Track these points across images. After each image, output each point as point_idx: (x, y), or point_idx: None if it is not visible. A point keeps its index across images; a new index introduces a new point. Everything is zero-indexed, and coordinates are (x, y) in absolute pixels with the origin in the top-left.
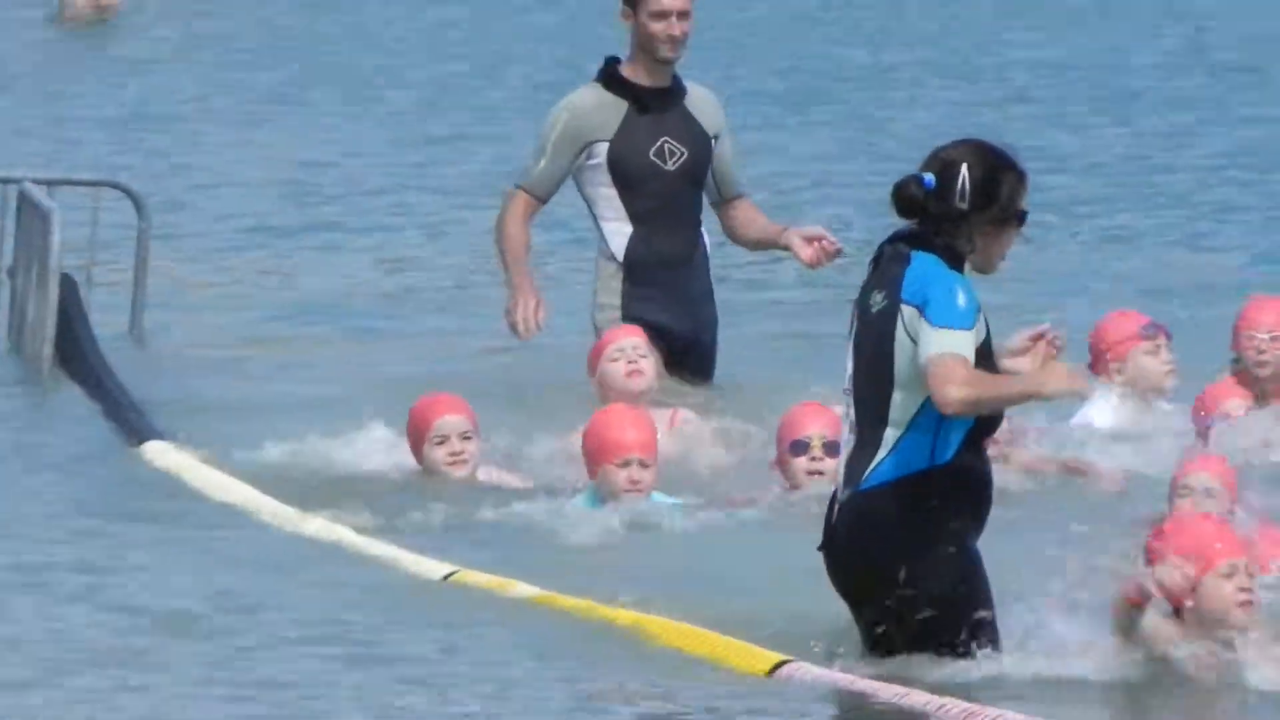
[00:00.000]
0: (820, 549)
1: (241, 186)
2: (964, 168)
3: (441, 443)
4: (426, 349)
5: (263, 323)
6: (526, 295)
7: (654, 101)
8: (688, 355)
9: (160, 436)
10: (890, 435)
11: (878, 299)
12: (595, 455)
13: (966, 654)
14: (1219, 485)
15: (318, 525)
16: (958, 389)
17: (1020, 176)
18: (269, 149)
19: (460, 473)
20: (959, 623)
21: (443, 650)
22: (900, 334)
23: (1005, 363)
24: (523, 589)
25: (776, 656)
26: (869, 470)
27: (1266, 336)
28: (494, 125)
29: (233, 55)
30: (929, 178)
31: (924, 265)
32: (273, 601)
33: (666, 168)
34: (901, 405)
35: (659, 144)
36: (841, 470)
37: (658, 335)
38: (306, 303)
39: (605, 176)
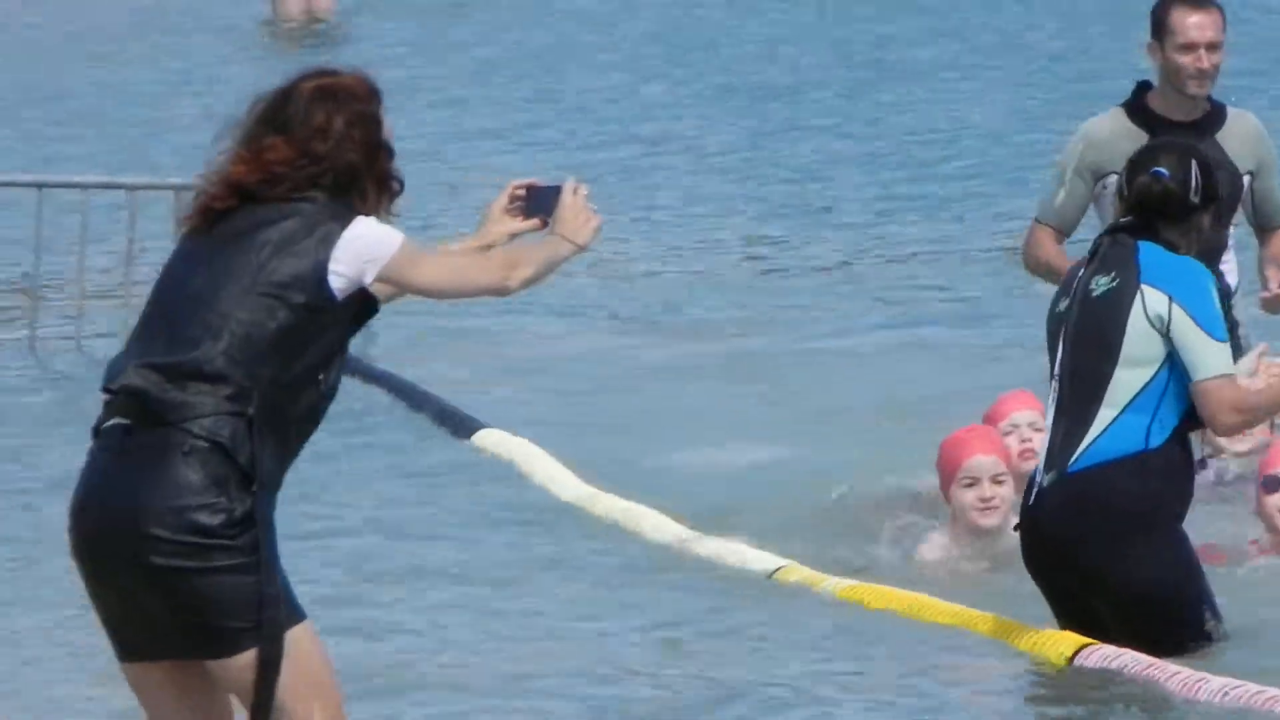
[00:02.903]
0: (1019, 533)
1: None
2: (1194, 163)
3: (971, 485)
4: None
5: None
6: None
7: (1176, 135)
8: None
9: (486, 425)
10: (1105, 415)
11: (1102, 281)
12: None
13: (1209, 635)
14: None
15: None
16: (1232, 414)
17: (1231, 177)
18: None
19: (989, 522)
20: (1196, 605)
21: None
22: (1137, 315)
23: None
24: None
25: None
26: (1080, 451)
27: None
28: None
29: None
30: (1166, 172)
31: (1159, 253)
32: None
33: (1190, 200)
34: (1124, 386)
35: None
36: (1043, 454)
37: None
38: None
39: (1116, 208)
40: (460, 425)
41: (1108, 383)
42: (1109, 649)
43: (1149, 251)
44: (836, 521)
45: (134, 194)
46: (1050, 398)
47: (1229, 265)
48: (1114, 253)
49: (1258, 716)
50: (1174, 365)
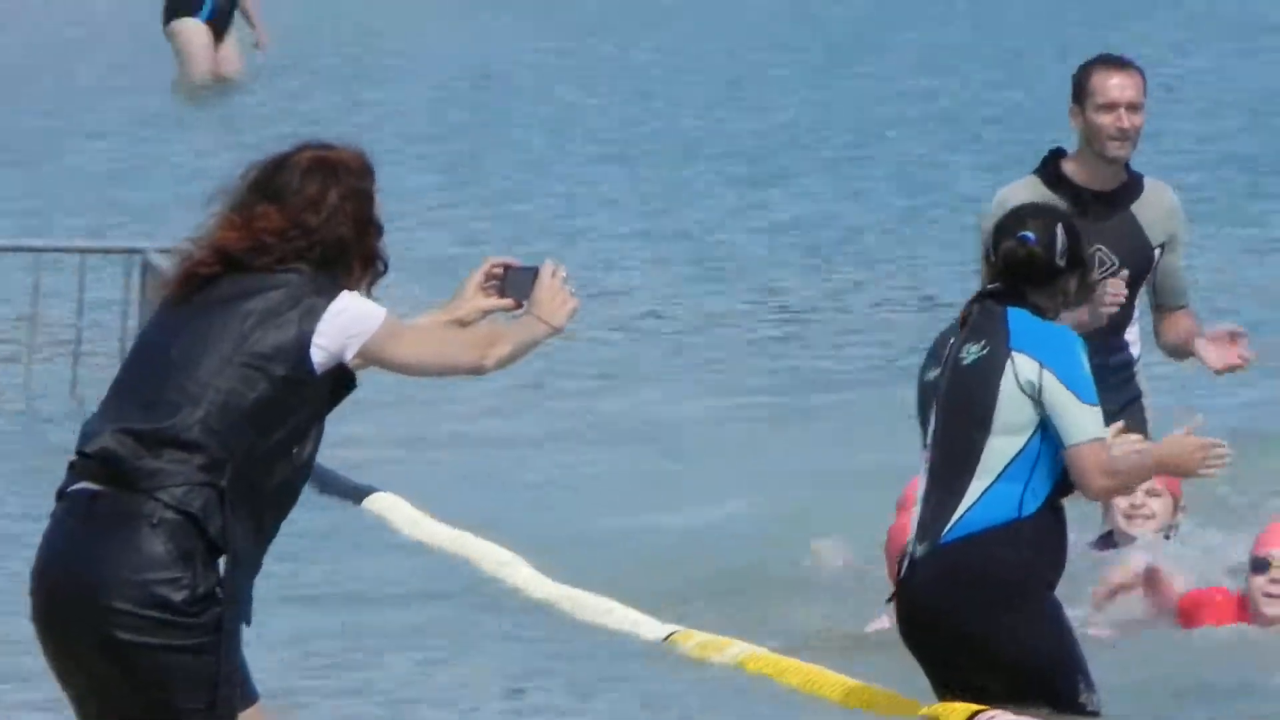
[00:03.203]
0: (895, 610)
1: None
2: (1059, 227)
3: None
4: None
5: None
6: None
7: (1095, 206)
8: None
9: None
10: (977, 486)
11: (973, 350)
12: None
13: (1084, 707)
14: None
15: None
16: (1103, 478)
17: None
18: None
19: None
20: (1071, 675)
21: None
22: (1008, 382)
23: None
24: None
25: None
26: (952, 523)
27: None
28: None
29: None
30: (1032, 235)
31: (1023, 318)
32: None
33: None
34: (996, 454)
35: (1090, 252)
36: (915, 526)
37: None
38: None
39: (983, 273)
40: (351, 491)
41: (980, 451)
42: (1003, 714)
43: (1017, 318)
44: (749, 587)
45: (81, 256)
46: (923, 468)
47: (1133, 336)
48: (983, 320)
49: None
50: (1045, 432)
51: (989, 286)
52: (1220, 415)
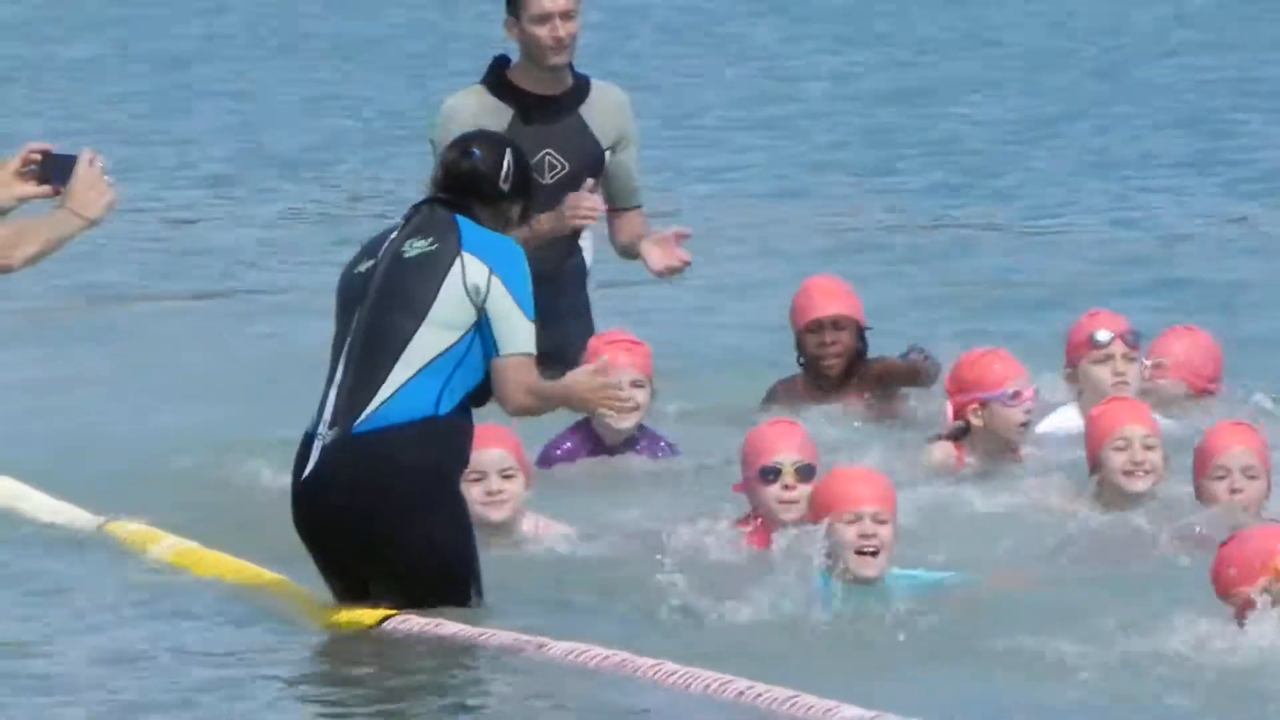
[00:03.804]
0: (296, 493)
1: None
2: (508, 152)
3: (478, 480)
4: None
5: None
6: None
7: (540, 110)
8: (553, 373)
9: None
10: (398, 376)
11: (419, 244)
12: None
13: (468, 599)
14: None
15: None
16: (527, 396)
17: (540, 187)
18: None
19: (497, 515)
20: (466, 577)
21: None
22: (454, 280)
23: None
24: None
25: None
26: (367, 413)
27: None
28: None
29: None
30: (478, 152)
31: (475, 227)
32: None
33: (544, 181)
34: (424, 345)
35: (540, 156)
36: (330, 406)
37: None
38: None
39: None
40: None
41: (409, 340)
42: (415, 618)
43: (468, 224)
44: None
45: None
46: (340, 359)
47: (586, 244)
48: (432, 220)
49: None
50: (477, 336)
51: (437, 194)
52: None
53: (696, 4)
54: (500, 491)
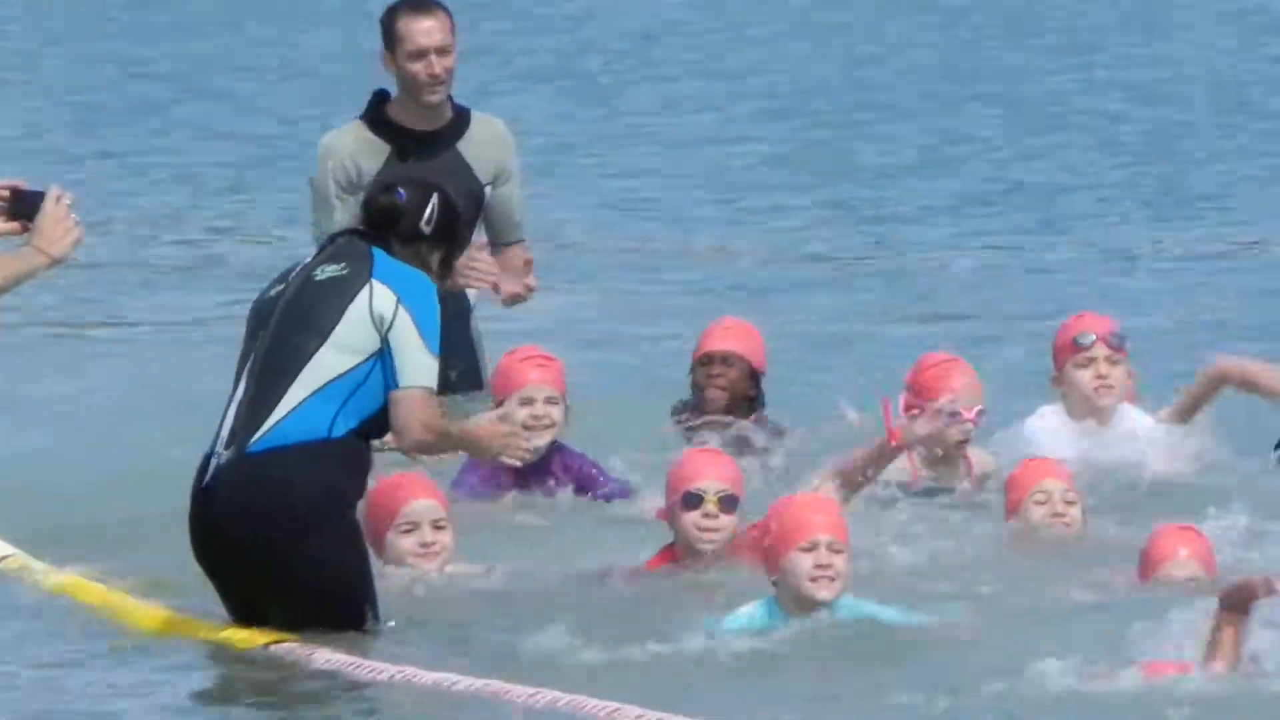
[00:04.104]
0: (191, 512)
1: None
2: (435, 196)
3: (410, 530)
4: None
5: None
6: None
7: (418, 147)
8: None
9: None
10: (295, 395)
11: (330, 269)
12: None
13: (365, 628)
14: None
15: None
16: (425, 432)
17: (468, 239)
18: None
19: (431, 566)
20: (362, 599)
21: None
22: (360, 304)
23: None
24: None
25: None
26: (262, 431)
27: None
28: None
29: None
30: (403, 192)
31: (390, 259)
32: None
33: (420, 225)
34: (324, 366)
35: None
36: (227, 426)
37: None
38: None
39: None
40: None
41: (309, 359)
42: (296, 646)
43: (383, 256)
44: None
45: None
46: (242, 378)
47: (473, 296)
48: (348, 249)
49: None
50: (378, 365)
51: (358, 226)
52: None
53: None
54: (434, 543)
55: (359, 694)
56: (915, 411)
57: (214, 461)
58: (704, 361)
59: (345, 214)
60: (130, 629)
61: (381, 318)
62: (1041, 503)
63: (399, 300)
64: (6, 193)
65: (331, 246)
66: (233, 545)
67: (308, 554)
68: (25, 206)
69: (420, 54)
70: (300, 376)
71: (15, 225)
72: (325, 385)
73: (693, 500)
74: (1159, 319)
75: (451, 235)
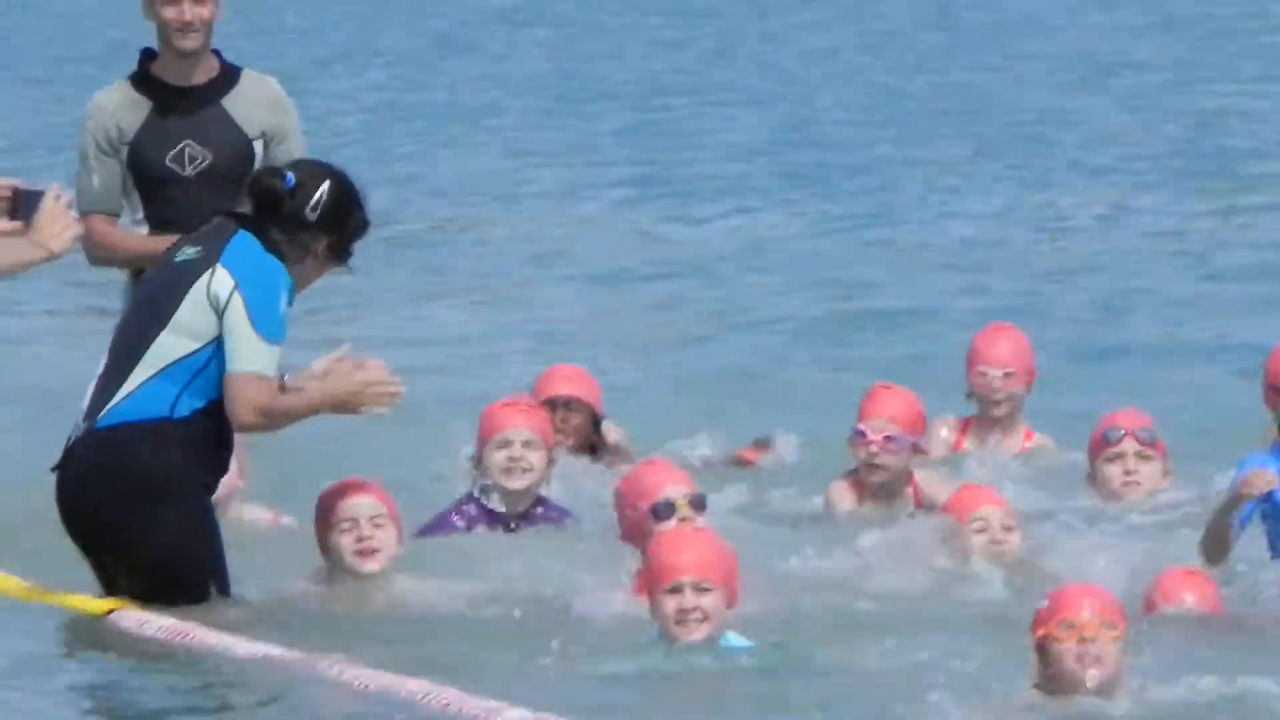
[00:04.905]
0: (56, 485)
1: None
2: (326, 183)
3: (349, 529)
4: None
5: None
6: None
7: (179, 100)
8: None
9: None
10: (139, 376)
11: (190, 251)
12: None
13: (204, 602)
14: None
15: None
16: (254, 415)
17: (365, 223)
18: None
19: (371, 566)
20: (203, 575)
21: None
22: (200, 288)
23: (307, 381)
24: None
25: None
26: (109, 407)
27: (999, 374)
28: None
29: None
30: (291, 176)
31: (249, 243)
32: None
33: (184, 173)
34: (164, 350)
35: (179, 148)
36: (88, 399)
37: None
38: None
39: (130, 181)
40: None
41: (150, 343)
42: (130, 614)
43: (244, 240)
44: None
45: None
46: (105, 356)
47: None
48: (213, 230)
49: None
50: (220, 349)
51: (239, 209)
52: None
53: None
54: (371, 538)
55: (195, 664)
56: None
57: (72, 434)
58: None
59: (104, 175)
60: None
61: (217, 299)
62: (980, 530)
63: (236, 285)
64: (8, 193)
65: (204, 226)
66: (81, 513)
67: (145, 526)
68: (25, 206)
69: (173, 0)
70: (144, 358)
71: (17, 225)
72: (167, 368)
73: (664, 510)
74: None
75: (340, 225)
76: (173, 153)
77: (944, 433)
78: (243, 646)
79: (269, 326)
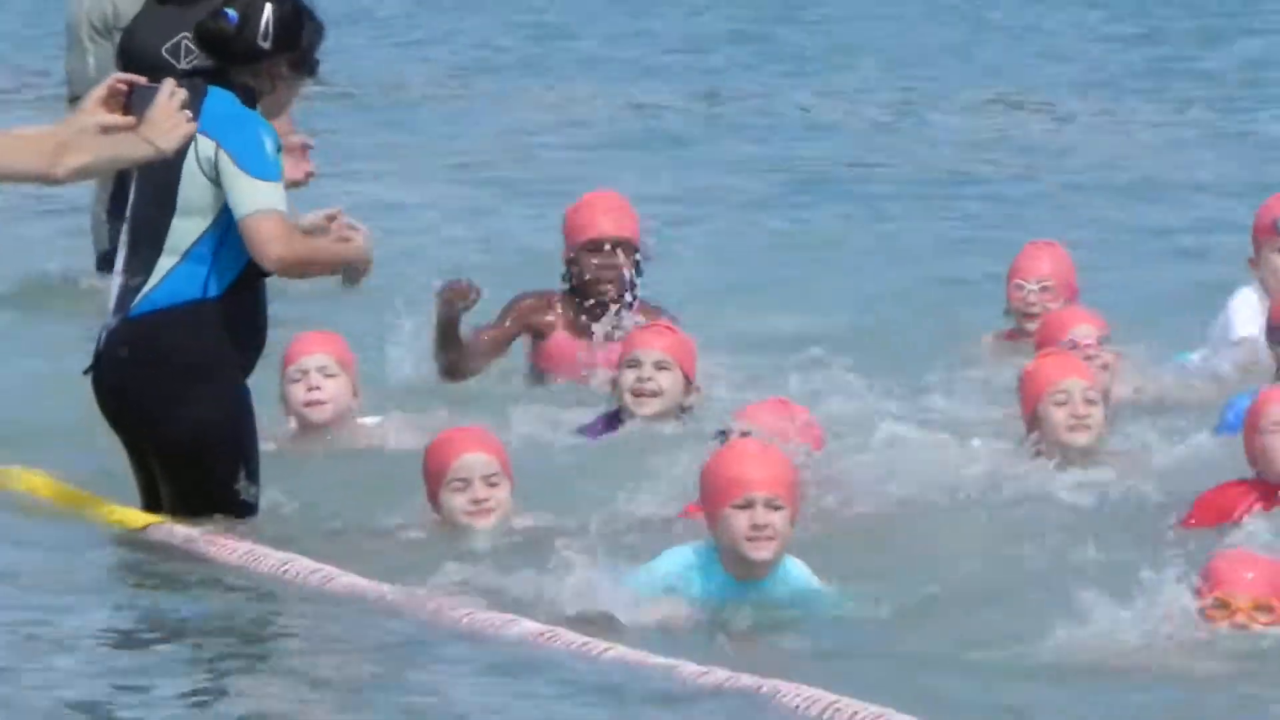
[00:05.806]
0: (88, 374)
1: None
2: (268, 7)
3: (462, 488)
4: None
5: None
6: None
7: None
8: None
9: None
10: (165, 263)
11: None
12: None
13: (239, 494)
14: None
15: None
16: (283, 247)
17: (319, 27)
18: None
19: (483, 524)
20: (233, 459)
21: None
22: (191, 164)
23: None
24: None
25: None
26: (140, 297)
27: (1036, 287)
28: None
29: None
30: (233, 14)
31: (222, 100)
32: None
33: (179, 66)
34: (180, 233)
35: (176, 40)
36: (114, 295)
37: None
38: None
39: (116, 68)
40: None
41: (168, 230)
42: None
43: (216, 98)
44: None
45: None
46: (121, 249)
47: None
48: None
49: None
50: (230, 215)
51: (196, 64)
52: None
53: None
54: (486, 499)
55: (239, 580)
56: None
57: (104, 330)
58: (592, 249)
59: (100, 59)
60: (22, 497)
61: (209, 161)
62: (1061, 403)
63: (218, 144)
64: (124, 87)
65: None
66: (118, 403)
67: (181, 400)
68: (140, 102)
69: None
70: (165, 247)
71: (130, 119)
72: (189, 250)
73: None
74: None
75: (294, 39)
76: (170, 44)
77: (988, 340)
78: (268, 560)
79: (259, 166)
